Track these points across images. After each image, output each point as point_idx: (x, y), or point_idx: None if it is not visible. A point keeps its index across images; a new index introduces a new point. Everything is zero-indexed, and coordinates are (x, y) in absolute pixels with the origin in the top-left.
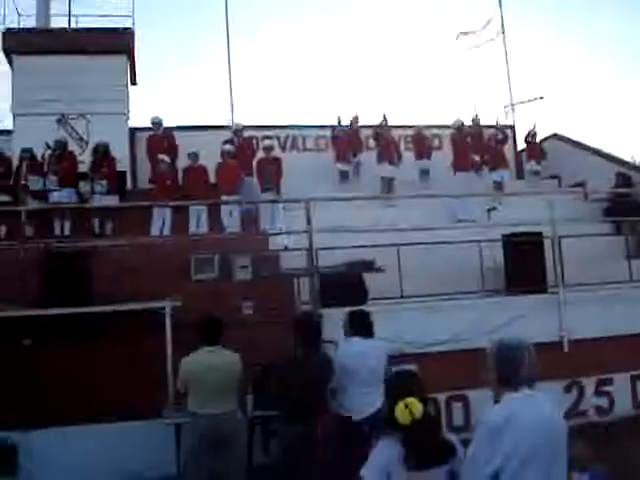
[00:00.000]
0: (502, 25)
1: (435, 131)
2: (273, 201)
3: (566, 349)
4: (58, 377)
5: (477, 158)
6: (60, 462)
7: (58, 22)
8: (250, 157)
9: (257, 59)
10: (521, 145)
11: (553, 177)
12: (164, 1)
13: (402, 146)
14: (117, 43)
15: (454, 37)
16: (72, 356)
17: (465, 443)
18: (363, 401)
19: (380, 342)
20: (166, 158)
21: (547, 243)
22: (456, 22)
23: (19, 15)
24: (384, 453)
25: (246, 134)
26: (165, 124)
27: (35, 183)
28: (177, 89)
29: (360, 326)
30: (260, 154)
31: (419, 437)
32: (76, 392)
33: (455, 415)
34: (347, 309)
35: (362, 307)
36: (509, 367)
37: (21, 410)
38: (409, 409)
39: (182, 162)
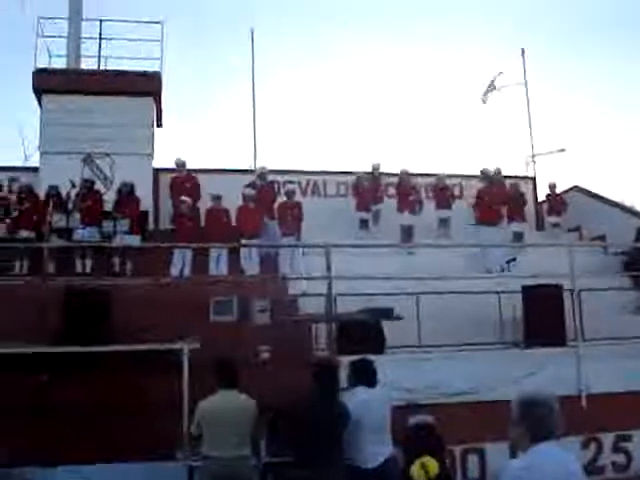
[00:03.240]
0: (524, 75)
1: (456, 180)
2: (293, 245)
3: (584, 404)
4: (74, 413)
5: (503, 210)
6: None
7: (88, 63)
8: (271, 201)
9: (281, 104)
10: (542, 197)
11: (573, 229)
12: (191, 45)
13: (423, 195)
14: (145, 85)
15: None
16: (89, 393)
17: None
18: (371, 451)
19: (384, 390)
20: (188, 199)
21: (566, 295)
22: (478, 71)
23: (50, 56)
24: None
25: (269, 178)
26: (188, 166)
27: (59, 220)
28: (201, 132)
29: (363, 375)
30: (281, 198)
31: None
32: (92, 429)
33: (470, 468)
34: (353, 358)
35: (366, 356)
36: (533, 421)
37: (38, 445)
38: (425, 469)
39: (204, 204)
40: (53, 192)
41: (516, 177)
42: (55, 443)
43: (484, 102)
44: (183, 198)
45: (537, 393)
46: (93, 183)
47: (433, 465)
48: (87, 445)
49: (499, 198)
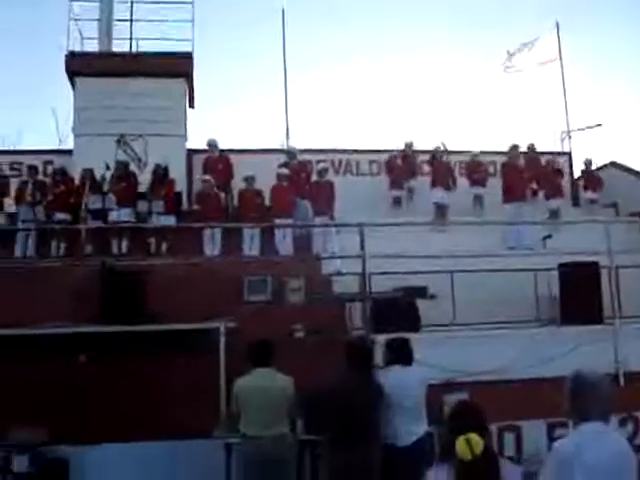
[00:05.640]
0: (559, 49)
1: (490, 158)
2: (327, 225)
3: (621, 382)
4: (111, 393)
5: (534, 186)
6: (110, 478)
7: (120, 45)
8: (305, 181)
9: (313, 83)
10: (578, 173)
11: (610, 206)
12: (222, 25)
13: (456, 172)
14: (177, 67)
15: (506, 57)
16: (126, 373)
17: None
18: (405, 429)
19: (420, 369)
20: (210, 179)
21: (603, 272)
22: (512, 45)
23: (82, 38)
24: None
25: (301, 158)
26: (221, 146)
27: (95, 202)
28: (234, 112)
29: (399, 354)
30: (314, 177)
31: (476, 474)
32: (129, 408)
33: (507, 446)
34: (389, 337)
35: (401, 334)
36: (582, 399)
37: (74, 425)
38: (470, 445)
39: (237, 184)
40: (88, 174)
41: (552, 153)
42: (93, 422)
43: (508, 70)
44: (205, 177)
45: (588, 371)
46: (127, 165)
47: (477, 441)
48: (125, 424)
49: (529, 174)
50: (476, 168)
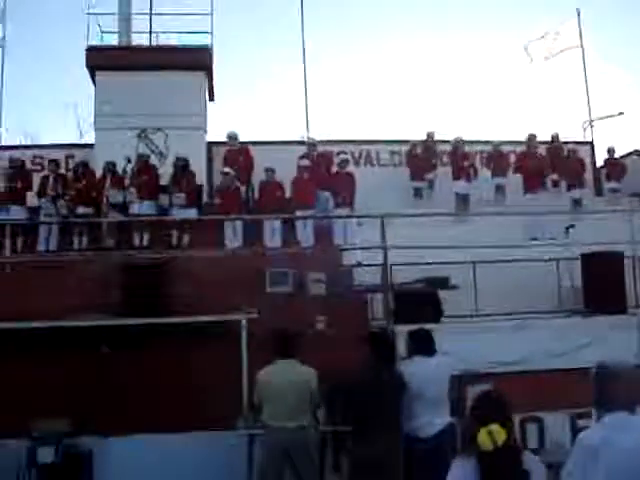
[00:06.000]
0: (580, 37)
1: (511, 147)
2: (348, 216)
3: None
4: (134, 385)
5: (555, 176)
6: (134, 469)
7: (139, 39)
8: (325, 172)
9: (333, 73)
10: (600, 162)
11: (633, 195)
12: (241, 18)
13: (477, 162)
14: (196, 60)
15: (525, 46)
16: (148, 365)
17: None
18: (427, 420)
19: (444, 360)
20: (230, 171)
21: (627, 262)
22: (532, 34)
23: (102, 33)
24: (460, 471)
25: (321, 149)
26: (241, 139)
27: (116, 196)
28: (253, 105)
29: (421, 345)
30: (334, 169)
31: (499, 466)
32: (151, 400)
33: (529, 437)
34: (410, 328)
35: (424, 325)
36: (606, 390)
37: (98, 416)
38: (492, 436)
39: (258, 176)
40: (110, 168)
41: (574, 142)
42: (116, 413)
43: (530, 58)
44: (226, 170)
45: (616, 363)
46: (148, 158)
47: (500, 432)
48: (147, 415)
49: (549, 163)
50: (498, 158)
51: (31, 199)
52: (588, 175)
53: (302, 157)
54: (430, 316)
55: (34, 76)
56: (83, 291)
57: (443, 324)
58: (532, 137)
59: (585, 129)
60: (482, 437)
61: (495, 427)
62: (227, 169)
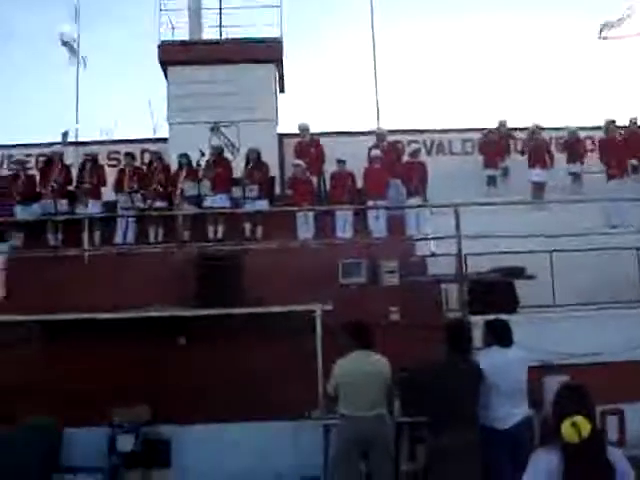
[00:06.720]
0: None
1: (588, 133)
2: (420, 206)
3: None
4: (210, 374)
5: (635, 162)
6: (211, 457)
7: (210, 34)
8: (396, 161)
9: (403, 62)
10: None
11: None
12: (310, 9)
13: (553, 149)
14: (266, 52)
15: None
16: (224, 355)
17: None
18: (505, 411)
19: (520, 351)
20: (301, 163)
21: None
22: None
23: (173, 28)
24: (544, 463)
25: (392, 138)
26: (312, 130)
27: (190, 189)
28: (324, 95)
29: (498, 335)
30: (406, 158)
31: (584, 457)
32: (227, 390)
33: (610, 429)
34: (486, 318)
35: (500, 316)
36: None
37: (175, 405)
38: (577, 428)
39: (329, 167)
40: (184, 161)
41: None
42: (192, 402)
43: (603, 38)
44: (297, 162)
45: None
46: (222, 151)
47: (585, 424)
48: (223, 405)
49: (629, 149)
50: (574, 145)
51: (107, 193)
52: None
53: (373, 147)
54: (506, 306)
55: (108, 74)
56: (160, 282)
57: (520, 315)
58: (611, 123)
59: None
60: (567, 429)
61: (579, 419)
62: (298, 161)
